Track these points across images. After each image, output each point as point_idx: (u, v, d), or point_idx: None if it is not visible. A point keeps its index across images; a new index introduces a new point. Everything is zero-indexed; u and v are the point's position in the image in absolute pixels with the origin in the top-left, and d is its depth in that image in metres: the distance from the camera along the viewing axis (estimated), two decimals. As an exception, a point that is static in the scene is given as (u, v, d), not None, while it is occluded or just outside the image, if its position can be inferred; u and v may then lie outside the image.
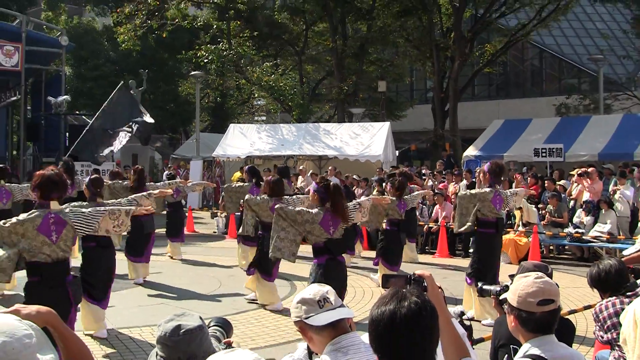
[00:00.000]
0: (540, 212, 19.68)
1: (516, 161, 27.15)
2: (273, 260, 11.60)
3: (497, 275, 11.57)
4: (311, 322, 3.70)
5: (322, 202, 9.74)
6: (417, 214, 20.11)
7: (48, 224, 7.48)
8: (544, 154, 24.49)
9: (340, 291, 8.96)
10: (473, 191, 12.24)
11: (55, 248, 7.52)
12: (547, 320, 3.90)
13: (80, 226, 7.77)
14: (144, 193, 10.17)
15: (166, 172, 32.19)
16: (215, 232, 25.04)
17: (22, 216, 7.56)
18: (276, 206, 10.42)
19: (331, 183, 9.95)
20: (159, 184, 16.81)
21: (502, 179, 12.47)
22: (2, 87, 36.87)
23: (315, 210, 9.68)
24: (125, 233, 10.78)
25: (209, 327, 3.71)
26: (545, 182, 21.09)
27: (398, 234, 15.12)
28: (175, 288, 14.42)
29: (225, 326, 4.09)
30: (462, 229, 11.98)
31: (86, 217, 7.83)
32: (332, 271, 9.54)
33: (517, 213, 19.10)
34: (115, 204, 9.84)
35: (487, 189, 11.67)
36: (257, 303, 12.75)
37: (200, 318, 3.48)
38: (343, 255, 10.23)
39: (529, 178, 22.11)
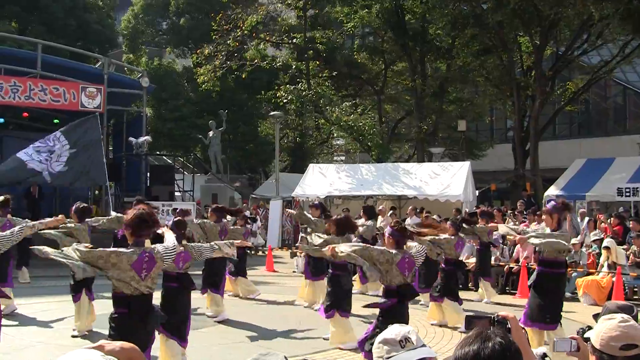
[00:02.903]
0: (624, 252, 19.31)
1: (599, 201, 26.71)
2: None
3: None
4: (393, 362, 3.67)
5: (398, 245, 9.61)
6: (498, 254, 19.99)
7: (142, 262, 7.66)
8: (627, 194, 24.07)
9: None
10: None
11: (142, 284, 7.69)
12: (629, 365, 3.81)
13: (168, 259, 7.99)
14: (227, 242, 10.35)
15: (247, 213, 32.40)
16: (294, 272, 25.02)
17: (121, 250, 7.73)
18: (360, 245, 10.36)
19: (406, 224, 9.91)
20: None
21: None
22: (86, 128, 37.49)
23: (394, 251, 9.56)
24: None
25: None
26: (630, 222, 20.70)
27: (455, 272, 15.31)
28: (254, 327, 14.39)
29: None
30: None
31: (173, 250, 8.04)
32: (396, 315, 9.16)
33: (604, 253, 18.75)
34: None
35: None
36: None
37: (285, 358, 3.46)
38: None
39: (612, 218, 21.70)
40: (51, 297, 17.05)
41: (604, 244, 18.51)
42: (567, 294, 18.21)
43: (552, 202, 12.26)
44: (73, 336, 12.97)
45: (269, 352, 3.45)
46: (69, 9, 46.64)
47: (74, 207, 14.21)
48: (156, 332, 8.49)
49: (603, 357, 3.81)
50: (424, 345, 3.73)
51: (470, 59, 39.43)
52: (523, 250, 20.25)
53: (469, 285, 20.33)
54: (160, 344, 10.19)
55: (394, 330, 3.75)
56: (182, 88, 53.04)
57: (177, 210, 19.27)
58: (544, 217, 12.36)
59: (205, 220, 16.70)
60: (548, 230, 11.68)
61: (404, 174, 30.24)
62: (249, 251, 21.84)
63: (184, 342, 10.77)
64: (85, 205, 14.52)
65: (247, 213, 27.22)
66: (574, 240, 18.48)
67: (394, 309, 9.40)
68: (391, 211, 26.69)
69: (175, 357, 10.59)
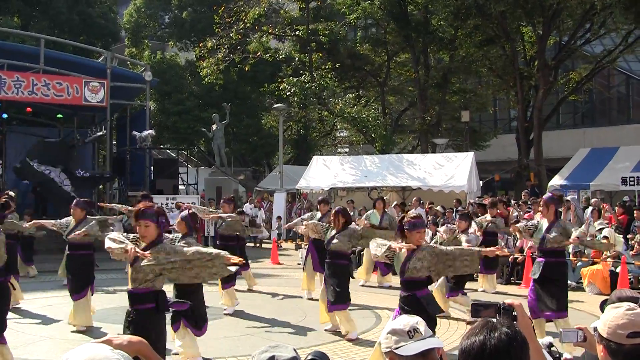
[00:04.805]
0: (629, 242, 19.30)
1: (603, 190, 26.68)
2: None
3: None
4: (401, 352, 3.66)
5: None
6: (503, 244, 19.91)
7: None
8: (631, 183, 24.07)
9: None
10: None
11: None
12: (636, 353, 3.79)
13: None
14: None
15: (248, 205, 32.51)
16: (299, 264, 25.01)
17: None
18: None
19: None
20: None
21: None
22: (88, 122, 37.48)
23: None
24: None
25: None
26: (634, 211, 20.69)
27: None
28: (260, 319, 14.41)
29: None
30: None
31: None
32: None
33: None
34: None
35: None
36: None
37: (294, 350, 3.46)
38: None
39: (617, 207, 21.69)
40: (56, 291, 17.07)
41: (603, 233, 18.49)
42: (572, 284, 18.26)
43: (548, 194, 12.28)
44: (73, 331, 12.98)
45: (279, 344, 3.45)
46: (72, 3, 46.68)
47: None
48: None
49: (610, 346, 3.80)
50: (432, 336, 3.74)
51: (473, 49, 39.35)
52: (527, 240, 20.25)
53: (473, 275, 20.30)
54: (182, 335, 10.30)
55: (403, 321, 3.76)
56: (185, 81, 52.94)
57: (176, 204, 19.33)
58: (540, 208, 12.35)
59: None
60: (545, 223, 11.64)
61: (408, 165, 30.26)
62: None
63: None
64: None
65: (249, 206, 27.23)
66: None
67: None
68: (395, 202, 26.68)
69: (193, 349, 10.57)
